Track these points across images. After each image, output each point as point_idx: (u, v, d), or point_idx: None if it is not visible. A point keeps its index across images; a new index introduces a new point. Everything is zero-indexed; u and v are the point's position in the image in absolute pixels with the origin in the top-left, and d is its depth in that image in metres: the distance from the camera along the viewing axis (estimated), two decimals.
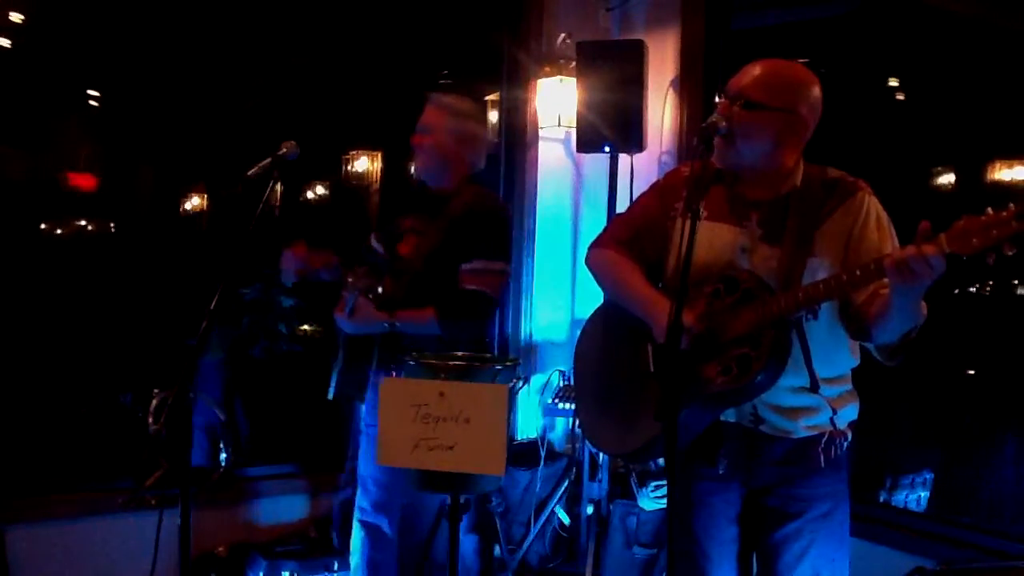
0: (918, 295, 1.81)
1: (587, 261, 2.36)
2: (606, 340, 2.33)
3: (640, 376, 2.16)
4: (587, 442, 3.75)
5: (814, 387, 2.05)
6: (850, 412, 2.15)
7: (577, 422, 3.87)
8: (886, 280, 1.84)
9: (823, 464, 2.10)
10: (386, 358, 2.84)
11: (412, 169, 2.92)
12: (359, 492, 2.96)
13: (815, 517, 2.10)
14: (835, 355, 2.09)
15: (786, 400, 2.06)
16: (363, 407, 2.97)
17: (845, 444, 2.13)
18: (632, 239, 2.27)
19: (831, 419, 2.10)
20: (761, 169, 2.10)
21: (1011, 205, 1.65)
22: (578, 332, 2.43)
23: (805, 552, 2.10)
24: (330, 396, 2.98)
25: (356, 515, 2.95)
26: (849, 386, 2.15)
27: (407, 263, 2.88)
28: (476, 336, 2.95)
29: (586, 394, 2.38)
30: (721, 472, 2.13)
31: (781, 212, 2.07)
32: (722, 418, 2.11)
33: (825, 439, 2.10)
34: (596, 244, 2.34)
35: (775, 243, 2.06)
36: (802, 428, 2.08)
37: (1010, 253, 1.64)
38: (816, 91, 2.09)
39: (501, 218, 2.99)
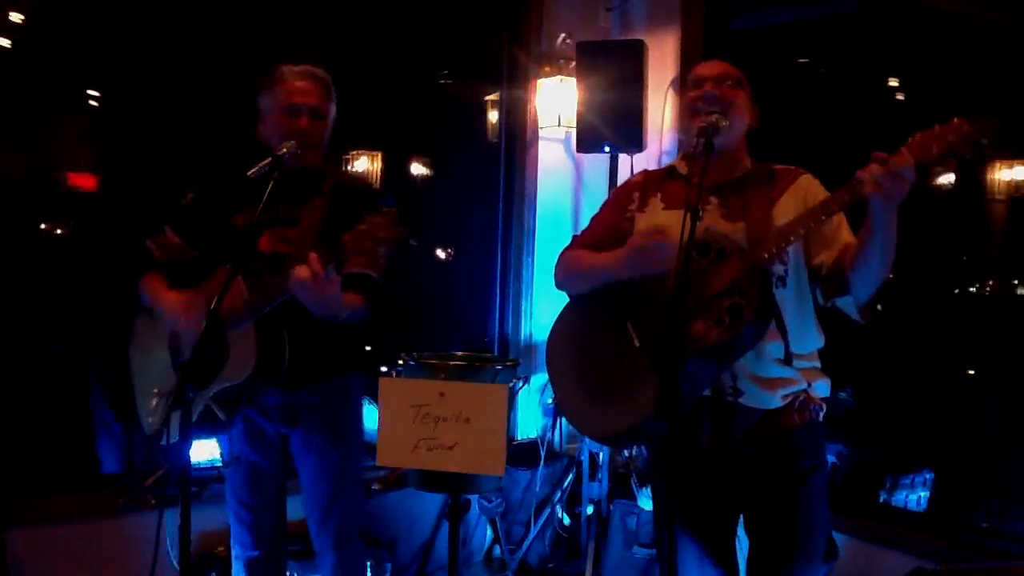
0: (893, 215, 1.89)
1: (555, 276, 2.39)
2: (582, 329, 2.32)
3: (624, 356, 2.15)
4: (580, 437, 3.78)
5: (788, 359, 2.11)
6: (823, 388, 2.20)
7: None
8: (849, 239, 2.04)
9: (797, 422, 2.13)
10: (300, 370, 2.45)
11: (281, 161, 2.39)
12: (233, 528, 2.70)
13: (797, 488, 2.14)
14: (803, 329, 2.16)
15: (766, 370, 2.11)
16: (228, 436, 2.63)
17: (821, 412, 2.19)
18: (589, 241, 2.35)
19: (806, 390, 2.17)
20: (727, 151, 2.19)
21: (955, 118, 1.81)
22: None
23: (791, 520, 2.14)
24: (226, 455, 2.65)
25: (234, 553, 2.71)
26: (818, 363, 2.22)
27: (297, 255, 2.40)
28: (375, 330, 2.62)
29: (567, 383, 2.34)
30: (704, 446, 2.15)
31: (738, 192, 2.19)
32: (704, 392, 2.12)
33: (799, 401, 2.15)
34: (557, 259, 2.39)
35: (737, 220, 2.14)
36: (779, 398, 2.13)
37: (967, 155, 1.79)
38: None
39: (376, 191, 2.70)
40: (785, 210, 2.13)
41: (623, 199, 2.37)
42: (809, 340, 2.19)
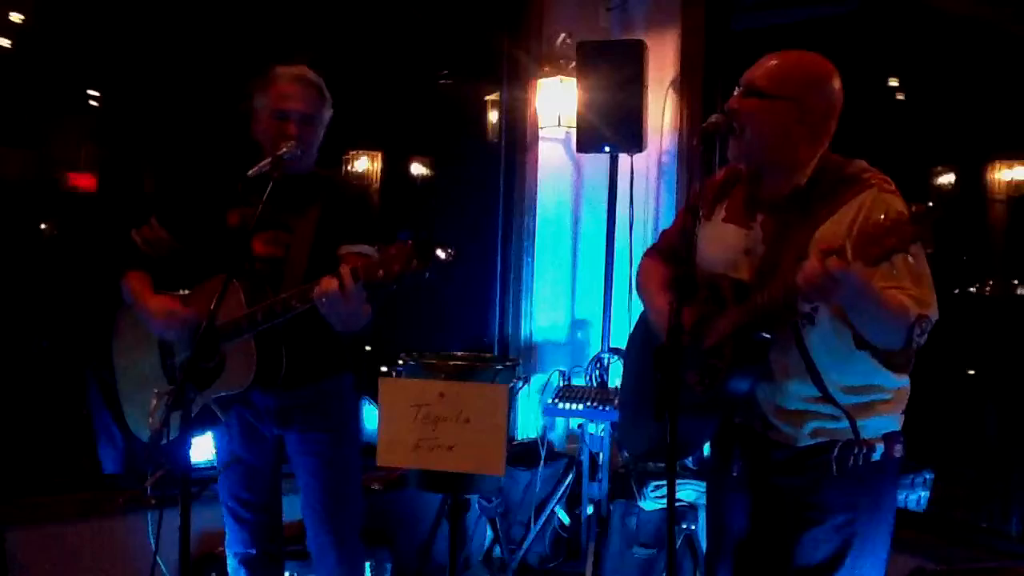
0: (849, 303, 1.75)
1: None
2: (641, 342, 2.33)
3: (650, 381, 2.16)
4: (580, 437, 3.79)
5: (825, 394, 1.96)
6: (880, 423, 2.00)
7: (581, 421, 3.89)
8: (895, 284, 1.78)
9: (835, 472, 1.98)
10: (295, 375, 2.46)
11: (281, 161, 2.37)
12: (230, 527, 2.70)
13: (830, 528, 1.99)
14: (850, 363, 1.94)
15: (792, 404, 1.99)
16: (221, 433, 2.64)
17: (874, 455, 1.99)
18: (666, 246, 2.32)
19: (851, 428, 1.98)
20: (776, 164, 2.02)
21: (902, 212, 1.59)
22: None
23: (818, 564, 2.01)
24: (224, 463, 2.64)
25: (231, 552, 2.70)
26: (880, 396, 2.00)
27: (292, 260, 2.48)
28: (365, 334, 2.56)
29: (623, 398, 2.41)
30: (735, 474, 2.11)
31: (783, 213, 1.99)
32: (736, 420, 2.08)
33: (839, 447, 1.98)
34: (638, 264, 2.39)
35: (771, 247, 2.00)
36: (807, 435, 1.99)
37: (911, 260, 1.66)
38: (834, 83, 2.03)
39: (373, 200, 2.68)
40: (831, 235, 1.82)
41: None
42: (858, 373, 1.96)
